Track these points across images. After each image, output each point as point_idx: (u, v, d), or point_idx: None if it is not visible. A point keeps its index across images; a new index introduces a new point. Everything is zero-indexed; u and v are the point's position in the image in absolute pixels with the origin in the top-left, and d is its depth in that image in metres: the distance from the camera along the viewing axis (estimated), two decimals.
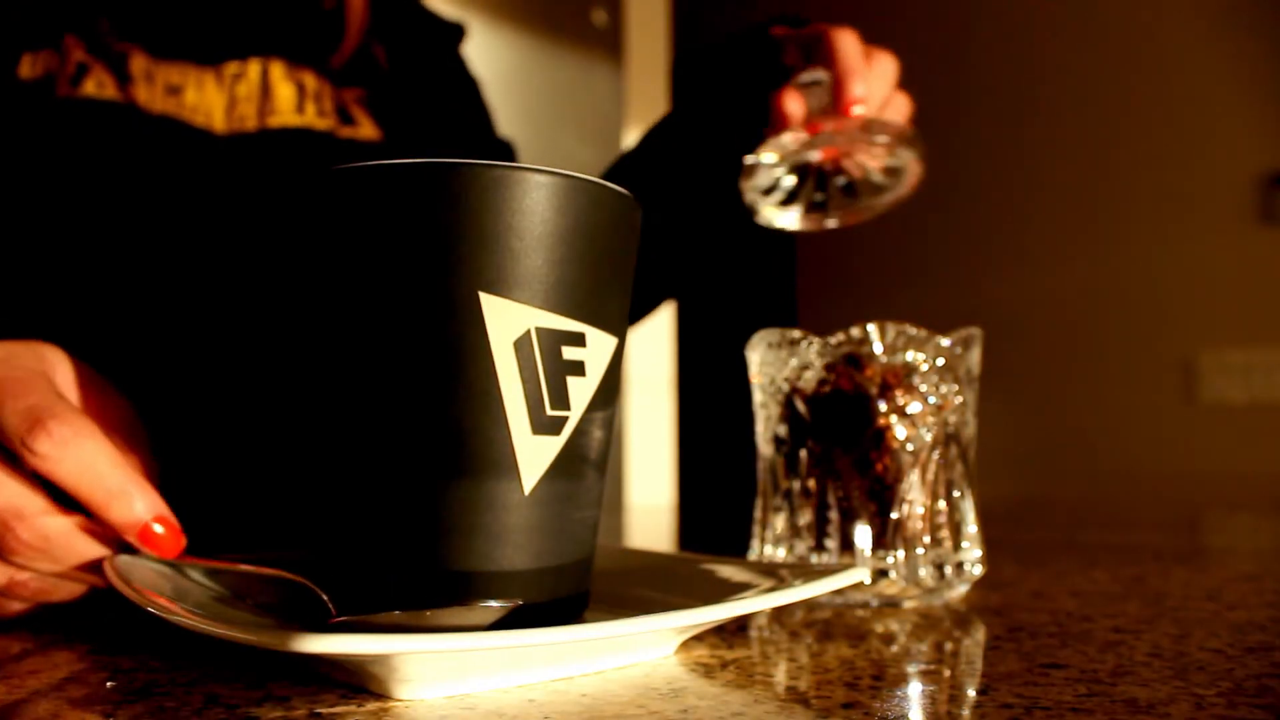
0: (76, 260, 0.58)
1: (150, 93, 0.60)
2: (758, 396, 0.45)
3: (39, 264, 0.58)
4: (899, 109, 0.59)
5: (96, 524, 0.33)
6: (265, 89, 0.63)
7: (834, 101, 0.54)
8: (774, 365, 0.43)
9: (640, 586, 0.37)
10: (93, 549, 0.33)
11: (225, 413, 0.61)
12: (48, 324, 0.57)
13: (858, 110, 0.53)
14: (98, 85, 0.58)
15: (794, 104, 0.55)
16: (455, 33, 0.80)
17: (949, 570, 0.41)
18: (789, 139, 0.54)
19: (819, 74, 0.55)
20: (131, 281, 0.59)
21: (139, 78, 0.60)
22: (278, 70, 0.64)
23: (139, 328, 0.59)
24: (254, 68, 0.63)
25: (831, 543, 0.41)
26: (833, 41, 0.55)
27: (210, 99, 0.61)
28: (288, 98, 0.64)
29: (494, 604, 0.27)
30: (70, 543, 0.33)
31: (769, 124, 0.56)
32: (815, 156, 0.56)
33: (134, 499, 0.33)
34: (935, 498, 0.41)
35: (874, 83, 0.56)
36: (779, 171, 0.56)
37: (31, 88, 0.58)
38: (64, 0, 0.60)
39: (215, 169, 0.61)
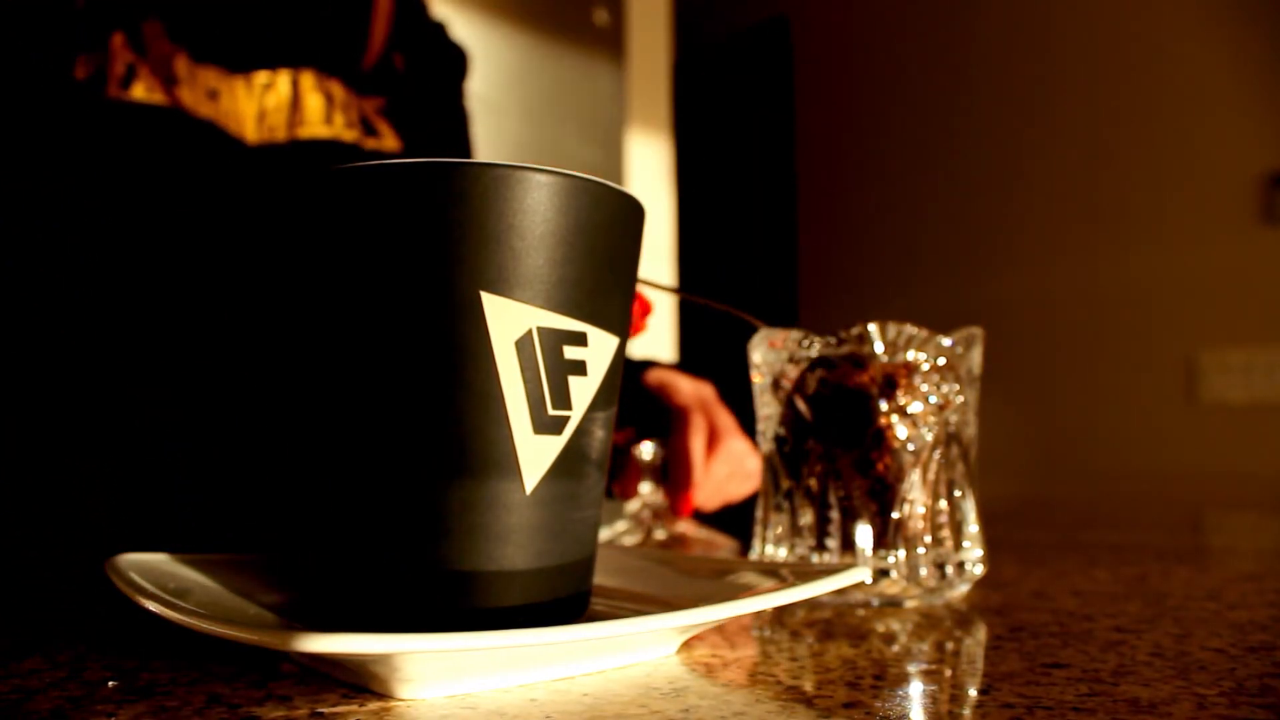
0: (105, 260, 0.59)
1: (194, 95, 0.60)
2: (759, 396, 0.45)
3: (65, 261, 0.59)
4: (738, 488, 0.69)
5: None
6: (295, 100, 0.63)
7: (668, 494, 0.65)
8: (775, 364, 0.43)
9: (641, 586, 0.37)
10: None
11: (229, 412, 0.61)
12: (66, 321, 0.57)
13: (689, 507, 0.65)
14: (147, 89, 0.58)
15: (634, 482, 0.68)
16: (462, 61, 0.80)
17: (950, 570, 0.41)
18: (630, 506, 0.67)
19: (659, 450, 0.67)
20: (149, 284, 0.59)
21: (184, 80, 0.60)
22: (308, 81, 0.64)
23: (150, 328, 0.59)
24: (284, 79, 0.63)
25: (833, 542, 0.41)
26: (682, 440, 0.65)
27: (242, 107, 0.62)
28: (316, 108, 0.64)
29: None
30: None
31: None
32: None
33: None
34: (936, 497, 0.41)
35: (712, 475, 0.66)
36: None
37: (83, 87, 0.58)
38: (113, 1, 0.60)
39: (247, 178, 0.61)
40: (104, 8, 0.60)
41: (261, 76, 0.63)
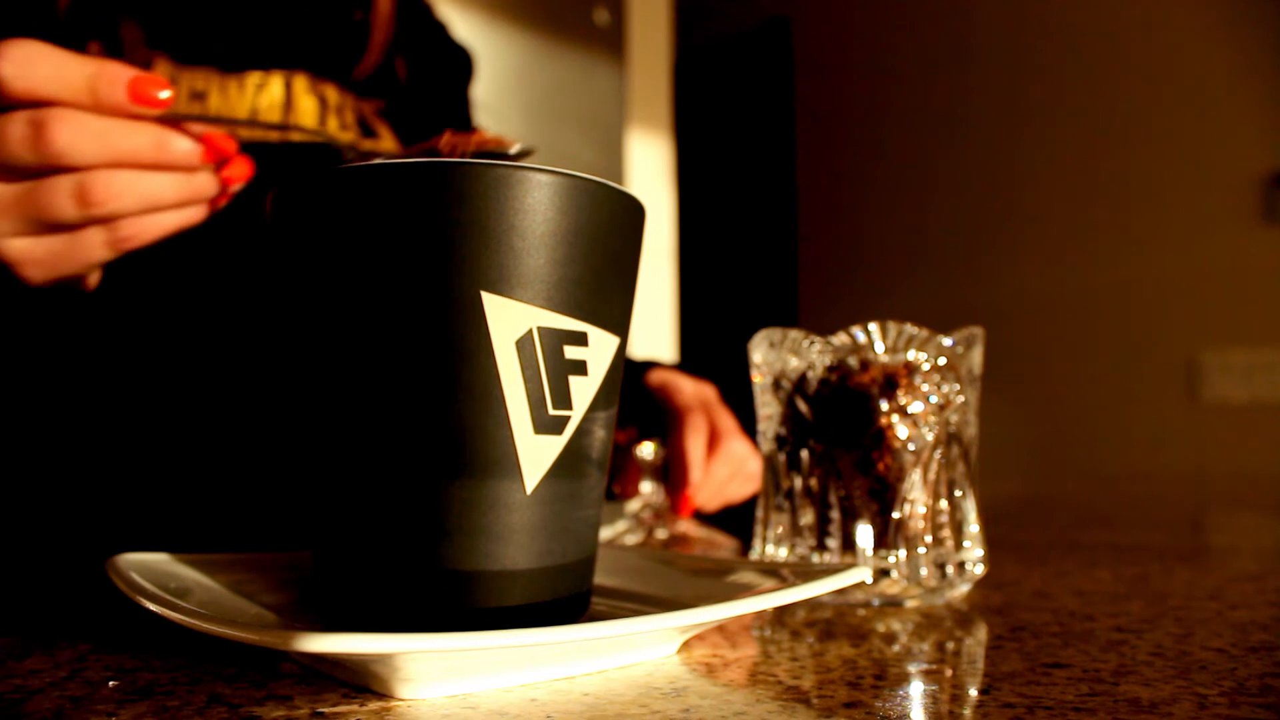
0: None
1: (176, 97, 0.60)
2: (759, 396, 0.45)
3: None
4: (739, 489, 0.69)
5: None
6: (288, 101, 0.63)
7: (668, 493, 0.65)
8: (776, 364, 0.43)
9: (642, 586, 0.37)
10: (133, 129, 0.36)
11: (230, 412, 0.61)
12: (65, 321, 0.57)
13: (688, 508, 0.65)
14: None
15: (633, 482, 0.68)
16: (466, 64, 0.80)
17: (950, 569, 0.41)
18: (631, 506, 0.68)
19: (660, 450, 0.67)
20: (141, 283, 0.59)
21: None
22: (301, 83, 0.64)
23: (148, 329, 0.59)
24: (277, 80, 0.63)
25: (833, 542, 0.41)
26: (681, 440, 0.64)
27: (234, 106, 0.61)
28: (310, 111, 0.64)
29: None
30: (112, 125, 0.35)
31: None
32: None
33: (109, 70, 0.35)
34: (937, 497, 0.41)
35: (712, 476, 0.66)
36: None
37: None
38: (89, 7, 0.60)
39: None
40: (82, 16, 0.59)
41: (254, 77, 0.63)
